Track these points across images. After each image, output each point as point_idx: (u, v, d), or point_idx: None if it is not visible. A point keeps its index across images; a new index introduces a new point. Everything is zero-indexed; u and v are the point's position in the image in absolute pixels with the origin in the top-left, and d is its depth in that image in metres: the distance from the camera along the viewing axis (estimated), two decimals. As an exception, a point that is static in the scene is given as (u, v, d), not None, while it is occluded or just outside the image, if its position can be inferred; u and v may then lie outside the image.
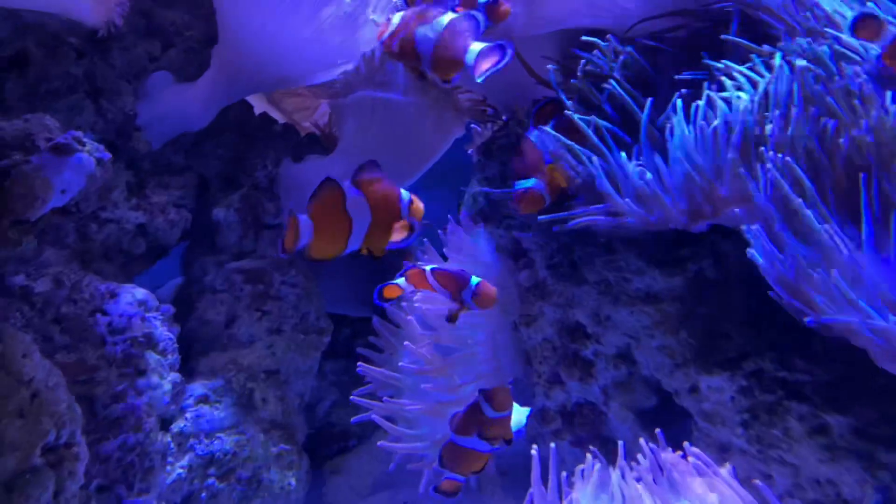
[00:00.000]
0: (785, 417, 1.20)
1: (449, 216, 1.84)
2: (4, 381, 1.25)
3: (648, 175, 1.27)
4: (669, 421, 1.43)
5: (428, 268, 1.45)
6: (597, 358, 1.57)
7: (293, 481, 1.78)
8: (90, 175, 1.49)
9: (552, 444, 1.32)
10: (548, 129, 1.49)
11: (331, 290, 2.36)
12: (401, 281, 1.49)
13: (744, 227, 1.15)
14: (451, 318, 1.47)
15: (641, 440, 1.26)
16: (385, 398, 1.70)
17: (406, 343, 1.72)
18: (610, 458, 1.38)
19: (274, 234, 2.25)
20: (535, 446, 1.32)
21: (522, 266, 1.70)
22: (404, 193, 1.41)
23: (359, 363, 1.79)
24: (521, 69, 1.80)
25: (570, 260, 1.59)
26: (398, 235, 1.37)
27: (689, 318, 1.40)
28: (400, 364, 1.77)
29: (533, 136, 1.53)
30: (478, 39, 1.35)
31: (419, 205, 1.41)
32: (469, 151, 2.30)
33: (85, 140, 1.51)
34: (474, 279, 1.40)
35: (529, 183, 1.49)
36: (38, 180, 1.39)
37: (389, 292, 1.50)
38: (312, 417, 2.29)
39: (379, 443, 1.68)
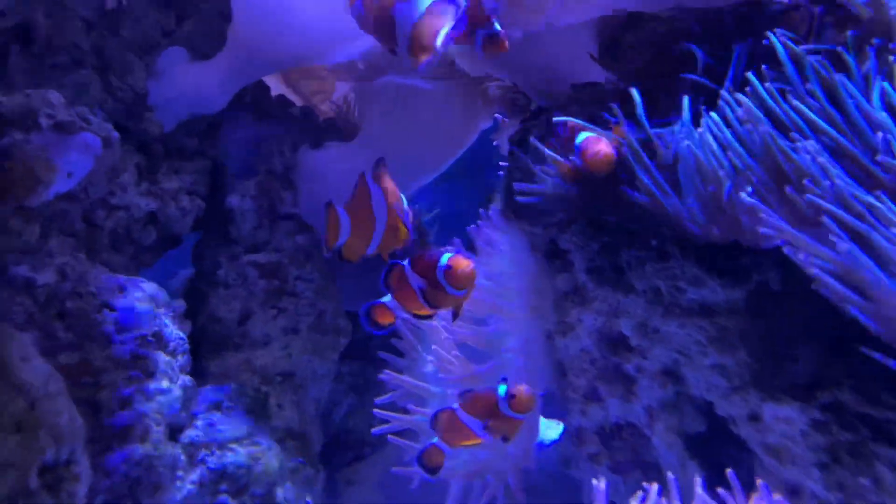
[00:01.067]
0: (873, 463, 1.07)
1: (481, 211, 1.71)
2: (1, 389, 1.15)
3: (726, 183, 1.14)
4: (721, 450, 1.31)
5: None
6: (640, 374, 1.44)
7: (309, 499, 1.67)
8: (97, 156, 1.38)
9: (598, 481, 1.19)
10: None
11: (346, 287, 2.25)
12: (387, 299, 1.34)
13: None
14: (450, 312, 1.34)
15: (698, 484, 1.13)
16: (410, 406, 1.58)
17: (434, 347, 1.60)
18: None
19: (291, 225, 2.14)
20: (595, 480, 1.18)
21: (559, 268, 1.58)
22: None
23: (383, 371, 1.67)
24: (552, 54, 1.68)
25: (615, 263, 1.46)
26: (400, 242, 1.28)
27: (751, 335, 1.27)
28: (426, 370, 1.65)
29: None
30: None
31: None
32: (495, 143, 2.17)
33: (91, 118, 1.39)
34: (445, 256, 1.22)
35: (587, 134, 1.32)
36: (41, 162, 1.28)
37: (381, 317, 1.37)
38: (328, 423, 2.18)
39: (393, 469, 1.56)
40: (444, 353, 1.56)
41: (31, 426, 1.12)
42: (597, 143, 1.30)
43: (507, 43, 1.28)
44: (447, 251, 1.23)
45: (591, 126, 1.38)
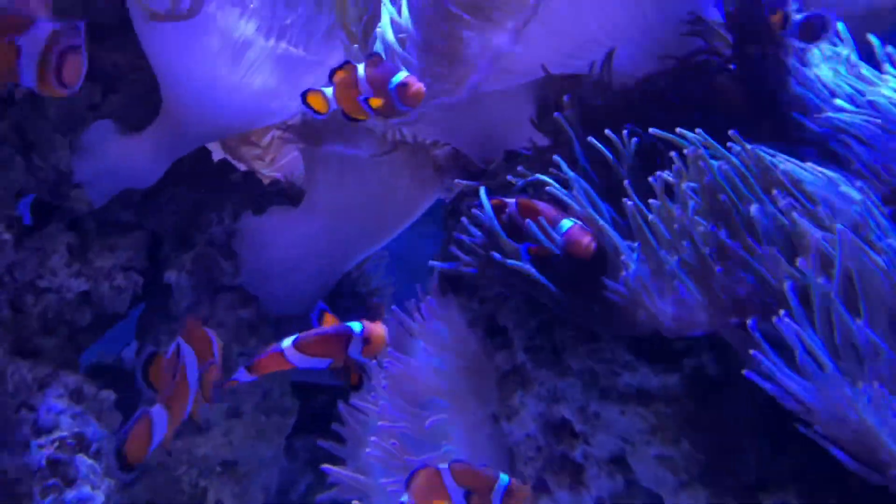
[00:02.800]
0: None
1: (417, 286, 1.62)
2: None
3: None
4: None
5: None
6: (587, 462, 1.34)
7: None
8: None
9: None
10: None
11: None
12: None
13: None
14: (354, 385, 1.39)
15: None
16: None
17: (372, 438, 1.50)
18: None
19: (233, 297, 2.04)
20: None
21: (499, 345, 1.48)
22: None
23: (323, 466, 1.57)
24: (489, 120, 1.60)
25: (553, 343, 1.37)
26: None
27: (691, 424, 1.18)
28: (366, 460, 1.54)
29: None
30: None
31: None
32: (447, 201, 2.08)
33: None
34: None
35: (571, 222, 1.25)
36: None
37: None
38: (286, 504, 2.08)
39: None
40: (382, 444, 1.46)
41: None
42: (583, 235, 1.24)
43: (421, 88, 1.28)
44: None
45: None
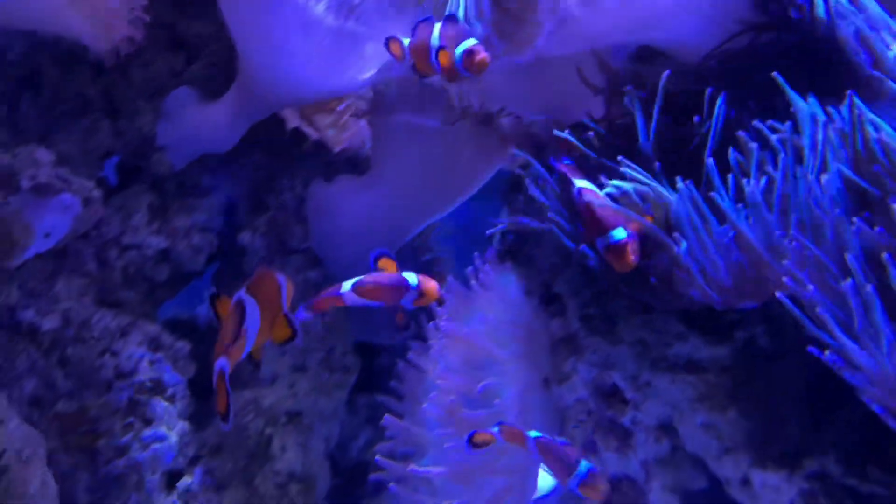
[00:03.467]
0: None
1: (476, 254, 1.66)
2: (-27, 455, 1.16)
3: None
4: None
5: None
6: (635, 427, 1.37)
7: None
8: (77, 216, 1.39)
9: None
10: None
11: (364, 319, 2.23)
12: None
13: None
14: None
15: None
16: (411, 469, 1.54)
17: (432, 394, 1.56)
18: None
19: (302, 260, 2.13)
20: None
21: (553, 313, 1.52)
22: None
23: (385, 416, 1.64)
24: (558, 89, 1.61)
25: (606, 313, 1.40)
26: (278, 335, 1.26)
27: (739, 394, 1.20)
28: (426, 417, 1.61)
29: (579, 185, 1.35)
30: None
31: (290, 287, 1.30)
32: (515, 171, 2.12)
33: (70, 179, 1.40)
34: (412, 277, 1.31)
35: (623, 234, 1.23)
36: (18, 224, 1.30)
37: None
38: (345, 457, 2.16)
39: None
40: (442, 402, 1.52)
41: (1, 493, 1.13)
42: (627, 249, 1.22)
43: (486, 57, 1.32)
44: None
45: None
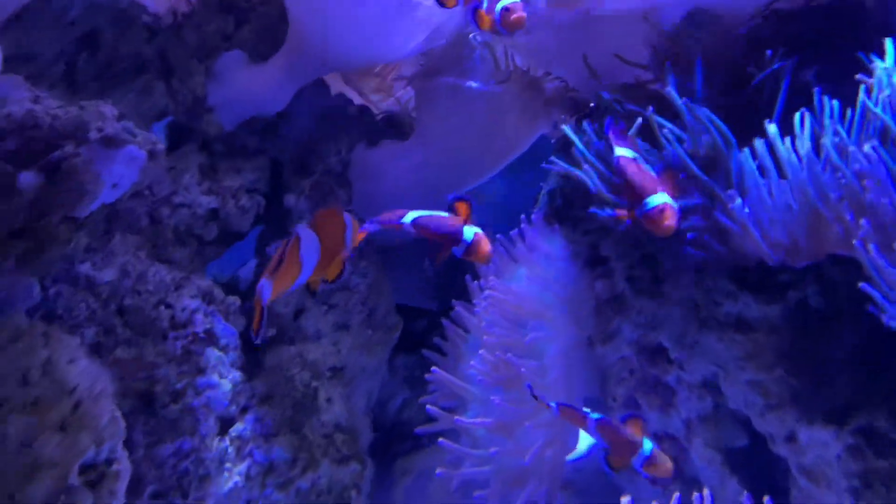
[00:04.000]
0: (905, 493, 1.02)
1: (522, 216, 1.69)
2: (48, 390, 1.22)
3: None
4: (763, 466, 1.26)
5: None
6: (679, 386, 1.40)
7: (354, 492, 1.71)
8: (142, 168, 1.44)
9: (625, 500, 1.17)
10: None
11: (404, 282, 2.27)
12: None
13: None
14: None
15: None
16: (457, 420, 1.58)
17: (481, 351, 1.60)
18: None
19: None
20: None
21: (599, 275, 1.55)
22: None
23: (432, 368, 1.68)
24: (606, 52, 1.63)
25: (654, 274, 1.43)
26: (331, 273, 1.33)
27: (788, 353, 1.22)
28: (468, 371, 1.65)
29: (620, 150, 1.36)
30: None
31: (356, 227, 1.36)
32: (552, 141, 2.14)
33: (136, 131, 1.45)
34: (470, 231, 1.34)
35: (661, 199, 1.23)
36: (88, 174, 1.34)
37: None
38: (384, 415, 2.22)
39: (438, 471, 1.57)
40: (488, 356, 1.56)
41: (74, 426, 1.19)
42: (663, 215, 1.23)
43: (522, 16, 1.34)
44: None
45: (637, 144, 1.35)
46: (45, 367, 1.24)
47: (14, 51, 1.82)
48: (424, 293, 2.41)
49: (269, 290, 1.20)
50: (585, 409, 1.35)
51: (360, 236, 1.37)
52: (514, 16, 1.35)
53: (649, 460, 1.24)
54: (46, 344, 1.26)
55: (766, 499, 1.11)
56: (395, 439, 2.27)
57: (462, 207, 1.39)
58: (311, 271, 1.25)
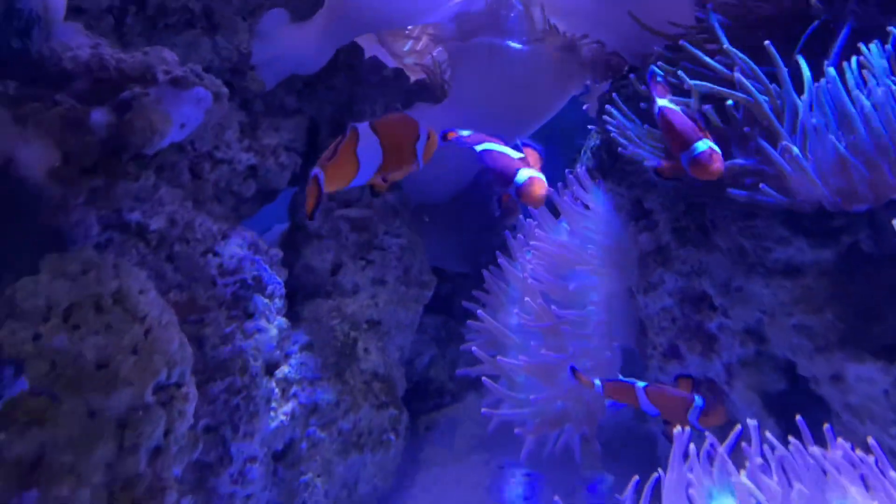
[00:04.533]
0: (954, 422, 1.07)
1: (566, 171, 1.74)
2: (120, 317, 1.26)
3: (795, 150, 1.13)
4: (800, 408, 1.31)
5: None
6: (721, 332, 1.45)
7: (392, 436, 1.76)
8: (208, 110, 1.48)
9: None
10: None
11: (432, 244, 2.31)
12: None
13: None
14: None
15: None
16: (500, 359, 1.64)
17: (526, 299, 1.65)
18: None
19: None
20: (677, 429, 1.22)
21: (643, 228, 1.59)
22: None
23: (478, 312, 1.73)
24: (649, 15, 1.66)
25: (700, 223, 1.47)
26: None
27: (838, 296, 1.26)
28: (509, 323, 1.70)
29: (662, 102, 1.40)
30: None
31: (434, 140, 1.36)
32: (585, 107, 2.18)
33: (202, 74, 1.49)
34: (524, 174, 1.37)
35: (707, 144, 1.28)
36: (158, 114, 1.38)
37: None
38: (411, 372, 2.27)
39: (483, 410, 1.62)
40: (531, 303, 1.61)
41: (147, 350, 1.24)
42: (712, 158, 1.28)
43: None
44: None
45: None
46: (117, 296, 1.28)
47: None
48: (452, 255, 2.46)
49: (322, 177, 1.20)
50: (630, 380, 1.41)
51: (435, 145, 1.37)
52: None
53: (704, 412, 1.30)
54: (117, 275, 1.31)
55: (797, 417, 1.15)
56: (421, 396, 2.33)
57: (531, 154, 1.43)
58: (372, 172, 1.25)
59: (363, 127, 1.26)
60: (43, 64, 1.42)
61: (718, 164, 1.27)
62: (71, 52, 1.49)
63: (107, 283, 1.29)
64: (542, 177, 1.37)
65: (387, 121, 1.30)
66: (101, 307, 1.25)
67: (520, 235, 1.77)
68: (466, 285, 2.23)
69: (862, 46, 1.21)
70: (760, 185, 1.22)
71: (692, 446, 1.10)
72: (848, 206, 1.17)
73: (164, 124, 1.37)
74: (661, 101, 1.41)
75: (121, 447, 1.13)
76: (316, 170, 1.21)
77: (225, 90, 1.50)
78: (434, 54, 2.33)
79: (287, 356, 1.78)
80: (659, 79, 1.48)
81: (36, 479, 1.08)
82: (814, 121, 1.19)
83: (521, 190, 1.39)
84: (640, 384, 1.41)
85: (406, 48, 2.39)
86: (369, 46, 2.41)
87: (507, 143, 1.49)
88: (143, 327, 1.27)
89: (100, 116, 1.35)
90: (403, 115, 1.33)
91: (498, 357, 1.63)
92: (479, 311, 1.71)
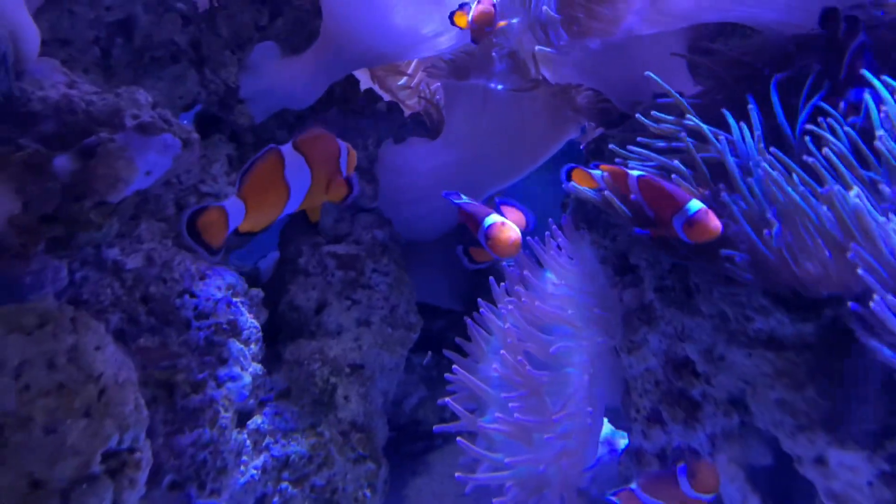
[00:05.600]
0: (937, 529, 1.00)
1: (550, 220, 1.68)
2: (74, 376, 1.22)
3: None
4: (787, 487, 1.24)
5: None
6: (705, 400, 1.39)
7: (368, 492, 1.71)
8: (176, 157, 1.44)
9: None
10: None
11: (425, 280, 2.26)
12: None
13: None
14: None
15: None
16: (479, 424, 1.58)
17: (502, 352, 1.59)
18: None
19: (371, 219, 2.17)
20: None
21: (628, 283, 1.53)
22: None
23: (452, 367, 1.67)
24: (638, 63, 1.61)
25: (685, 284, 1.41)
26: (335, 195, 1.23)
27: (820, 372, 1.20)
28: (490, 374, 1.64)
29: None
30: None
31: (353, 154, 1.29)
32: (581, 147, 2.12)
33: (171, 120, 1.45)
34: (489, 219, 1.37)
35: (699, 204, 1.22)
36: (122, 161, 1.34)
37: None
38: (398, 413, 2.22)
39: (456, 475, 1.56)
40: (509, 358, 1.55)
41: (99, 413, 1.19)
42: (709, 217, 1.22)
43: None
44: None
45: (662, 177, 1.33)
46: (72, 353, 1.24)
47: (49, 34, 1.83)
48: (445, 292, 2.40)
49: (241, 211, 1.08)
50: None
51: (354, 160, 1.29)
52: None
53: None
54: (74, 329, 1.26)
55: None
56: (409, 438, 2.27)
57: (512, 213, 1.40)
58: (302, 197, 1.15)
59: (287, 148, 1.16)
60: (11, 104, 1.39)
61: (716, 223, 1.21)
62: (42, 91, 1.45)
63: (62, 338, 1.24)
64: (512, 225, 1.32)
65: (309, 137, 1.21)
66: (54, 365, 1.21)
67: (503, 284, 1.71)
68: (460, 322, 2.18)
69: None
70: (736, 257, 1.16)
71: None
72: (823, 292, 1.10)
73: (129, 172, 1.33)
74: (635, 172, 1.35)
75: (62, 521, 1.09)
76: (233, 200, 1.09)
77: (195, 136, 1.46)
78: (429, 92, 2.29)
79: (262, 403, 1.73)
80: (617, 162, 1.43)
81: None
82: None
83: (488, 234, 1.34)
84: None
85: (400, 83, 2.35)
86: (364, 80, 2.38)
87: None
88: (98, 387, 1.23)
89: (63, 162, 1.31)
90: (322, 132, 1.24)
91: (477, 421, 1.57)
92: (455, 367, 1.65)
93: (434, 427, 1.71)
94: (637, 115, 1.40)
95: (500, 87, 1.98)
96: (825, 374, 1.18)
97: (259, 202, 1.13)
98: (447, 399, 1.63)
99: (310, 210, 1.22)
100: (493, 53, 1.95)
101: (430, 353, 2.30)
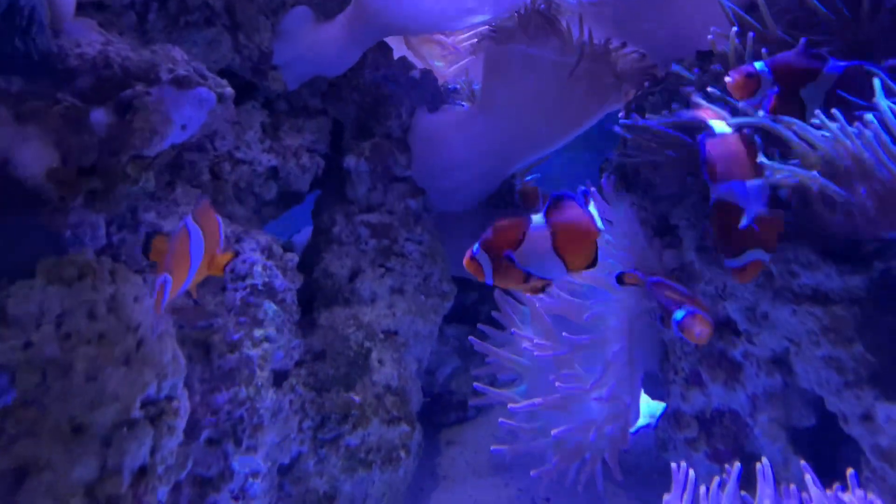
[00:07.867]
0: None
1: (587, 181, 1.65)
2: (112, 326, 1.23)
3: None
4: (830, 447, 1.21)
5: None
6: (746, 360, 1.36)
7: (403, 453, 1.70)
8: (211, 111, 1.43)
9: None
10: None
11: (459, 252, 2.24)
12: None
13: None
14: None
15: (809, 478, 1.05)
16: (510, 407, 1.56)
17: (533, 322, 1.57)
18: (751, 480, 1.18)
19: (404, 188, 2.16)
20: (673, 464, 1.14)
21: (667, 244, 1.50)
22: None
23: (478, 340, 1.66)
24: (684, 21, 1.57)
25: (727, 244, 1.37)
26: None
27: (869, 327, 1.16)
28: (524, 344, 1.62)
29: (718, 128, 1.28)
30: None
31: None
32: (620, 115, 2.08)
33: (207, 74, 1.44)
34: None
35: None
36: (158, 114, 1.34)
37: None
38: (432, 383, 2.21)
39: (492, 448, 1.55)
40: (545, 325, 1.53)
41: (138, 362, 1.20)
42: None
43: None
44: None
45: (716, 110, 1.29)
46: (111, 304, 1.25)
47: (87, -1, 1.84)
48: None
49: (170, 284, 1.12)
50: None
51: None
52: None
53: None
54: (113, 281, 1.27)
55: (849, 472, 1.06)
56: (442, 408, 2.26)
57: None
58: (197, 267, 1.19)
59: (191, 225, 1.20)
60: (49, 61, 1.40)
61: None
62: (79, 48, 1.46)
63: (102, 289, 1.25)
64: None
65: (203, 215, 1.24)
66: (94, 315, 1.22)
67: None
68: (493, 296, 2.16)
69: None
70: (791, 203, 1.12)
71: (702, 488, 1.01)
72: (879, 233, 1.06)
73: (165, 125, 1.33)
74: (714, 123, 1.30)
75: (103, 467, 1.09)
76: (165, 277, 1.12)
77: (229, 91, 1.46)
78: (464, 60, 2.26)
79: (298, 364, 1.73)
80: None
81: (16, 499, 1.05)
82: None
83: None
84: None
85: (435, 52, 2.32)
86: (398, 48, 2.36)
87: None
88: (136, 338, 1.23)
89: (100, 116, 1.32)
90: (207, 206, 1.27)
91: (510, 406, 1.55)
92: (484, 344, 1.63)
93: (468, 401, 1.69)
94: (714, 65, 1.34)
95: (543, 52, 1.94)
96: (873, 328, 1.15)
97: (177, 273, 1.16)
98: (480, 371, 1.61)
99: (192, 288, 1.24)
100: (533, 20, 1.91)
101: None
